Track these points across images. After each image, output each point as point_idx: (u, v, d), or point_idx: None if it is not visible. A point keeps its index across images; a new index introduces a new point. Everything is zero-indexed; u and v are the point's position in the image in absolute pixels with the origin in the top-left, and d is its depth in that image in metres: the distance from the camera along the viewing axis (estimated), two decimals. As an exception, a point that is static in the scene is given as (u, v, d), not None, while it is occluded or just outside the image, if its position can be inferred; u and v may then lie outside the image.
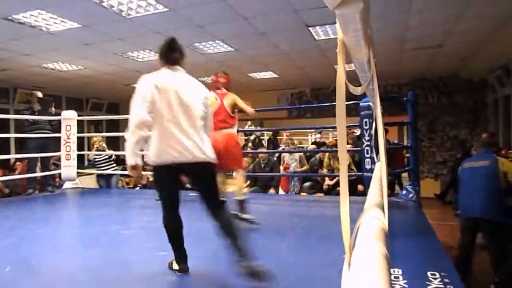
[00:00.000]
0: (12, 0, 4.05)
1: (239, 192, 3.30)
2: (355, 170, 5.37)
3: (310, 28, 5.14)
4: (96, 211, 4.33)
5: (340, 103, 0.66)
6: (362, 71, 0.96)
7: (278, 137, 8.94)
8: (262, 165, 6.32)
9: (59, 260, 2.67)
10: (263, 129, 8.98)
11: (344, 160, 0.73)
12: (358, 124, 4.42)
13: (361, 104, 4.23)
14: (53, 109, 5.88)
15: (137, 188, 7.21)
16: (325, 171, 6.03)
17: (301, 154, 6.41)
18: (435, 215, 4.23)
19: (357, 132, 5.39)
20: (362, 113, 4.24)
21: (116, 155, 6.84)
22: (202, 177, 2.23)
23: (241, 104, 3.44)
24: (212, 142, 2.60)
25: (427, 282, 1.93)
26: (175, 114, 2.09)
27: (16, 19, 4.56)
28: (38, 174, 5.70)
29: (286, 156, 6.37)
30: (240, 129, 5.84)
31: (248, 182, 6.65)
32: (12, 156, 7.39)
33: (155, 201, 3.42)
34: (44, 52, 6.14)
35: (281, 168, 6.39)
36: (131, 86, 9.25)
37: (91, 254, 2.73)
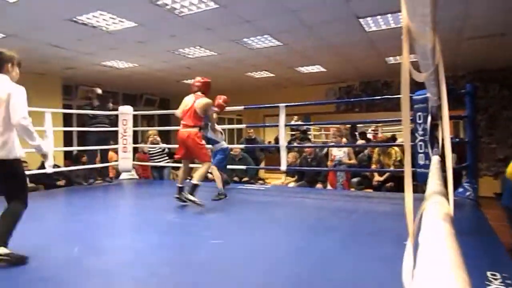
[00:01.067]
0: (77, 3, 4.35)
1: (197, 178, 3.86)
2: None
3: (361, 20, 5.01)
4: (150, 200, 4.58)
5: (405, 93, 0.66)
6: (425, 59, 0.93)
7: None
8: (309, 160, 6.29)
9: (119, 243, 2.88)
10: (309, 123, 8.93)
11: (408, 149, 0.72)
12: (412, 118, 4.26)
13: (414, 97, 4.07)
14: (111, 104, 6.27)
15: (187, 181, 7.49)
16: (374, 167, 5.89)
17: (350, 148, 6.29)
18: (495, 215, 3.99)
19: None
20: (415, 106, 4.07)
21: (168, 149, 7.14)
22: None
23: (209, 110, 4.17)
24: (179, 137, 3.82)
25: (487, 282, 1.84)
26: None
27: (80, 21, 4.90)
28: (98, 165, 6.11)
29: (334, 148, 6.27)
30: (286, 123, 5.85)
31: (296, 177, 6.68)
32: (75, 148, 7.98)
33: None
34: (103, 51, 6.54)
35: (328, 161, 6.32)
36: (181, 82, 9.59)
37: (148, 238, 2.90)
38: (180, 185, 3.99)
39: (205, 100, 4.09)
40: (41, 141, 2.52)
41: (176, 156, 4.32)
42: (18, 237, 2.31)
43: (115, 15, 4.75)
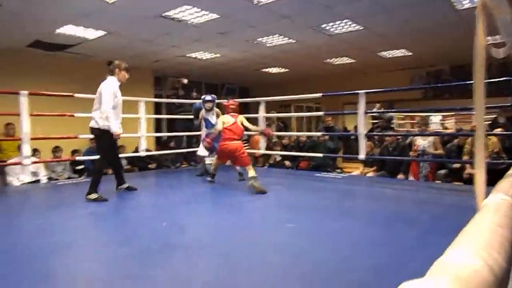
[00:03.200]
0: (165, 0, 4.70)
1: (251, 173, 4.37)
2: (505, 157, 4.67)
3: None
4: (230, 184, 4.82)
5: (479, 74, 0.63)
6: (508, 34, 0.85)
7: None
8: (390, 149, 6.01)
9: (200, 220, 3.12)
10: (391, 110, 8.46)
11: (481, 135, 0.69)
12: (510, 104, 3.82)
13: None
14: (195, 93, 6.68)
15: (265, 167, 7.68)
16: (465, 158, 5.40)
17: (437, 137, 5.84)
18: None
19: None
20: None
21: (247, 135, 7.38)
22: None
23: (245, 122, 4.79)
24: (228, 148, 4.49)
25: None
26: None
27: (168, 16, 5.28)
28: (184, 150, 6.59)
29: (418, 137, 5.88)
30: (368, 111, 5.63)
31: (374, 167, 6.44)
32: (164, 134, 8.68)
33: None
34: (188, 44, 6.96)
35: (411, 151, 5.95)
36: (260, 71, 9.78)
37: (227, 218, 3.09)
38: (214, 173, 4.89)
39: (242, 117, 4.87)
40: (113, 124, 3.66)
41: (221, 159, 4.84)
42: (120, 211, 2.63)
43: (199, 8, 5.02)
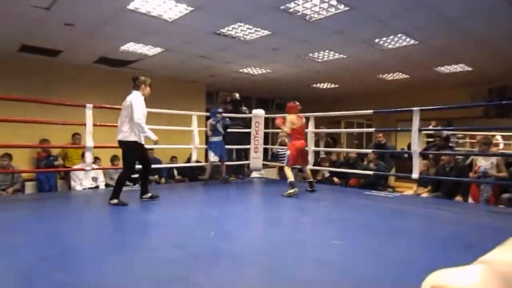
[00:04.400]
0: (219, 17, 4.91)
1: (308, 176, 5.24)
2: None
3: (518, 8, 4.32)
4: (277, 198, 4.82)
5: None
6: None
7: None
8: (447, 169, 5.67)
9: (248, 233, 3.14)
10: (447, 128, 8.03)
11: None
12: None
13: None
14: (244, 108, 6.82)
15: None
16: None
17: (500, 158, 5.41)
18: None
19: None
20: None
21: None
22: None
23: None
24: (300, 147, 4.99)
25: None
26: None
27: (222, 33, 5.50)
28: (233, 163, 6.71)
29: (480, 158, 5.49)
30: (423, 128, 5.39)
31: (429, 187, 6.09)
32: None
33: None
34: (241, 59, 7.17)
35: (472, 172, 5.56)
36: (311, 86, 9.77)
37: (274, 232, 3.10)
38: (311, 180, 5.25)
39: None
40: (149, 132, 3.98)
41: (294, 162, 5.05)
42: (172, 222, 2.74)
43: (251, 25, 5.18)
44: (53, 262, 2.15)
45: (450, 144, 8.43)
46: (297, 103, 5.20)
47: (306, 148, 5.61)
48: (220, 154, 5.84)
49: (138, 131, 3.95)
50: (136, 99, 3.95)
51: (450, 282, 0.25)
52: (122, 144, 3.99)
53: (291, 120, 4.96)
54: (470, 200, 5.44)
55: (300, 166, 5.43)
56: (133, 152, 4.01)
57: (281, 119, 5.14)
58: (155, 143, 4.14)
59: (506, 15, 4.54)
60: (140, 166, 4.25)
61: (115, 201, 3.89)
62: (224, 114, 6.21)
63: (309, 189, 5.13)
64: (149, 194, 4.24)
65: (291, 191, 4.70)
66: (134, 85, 4.09)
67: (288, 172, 4.88)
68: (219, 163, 5.92)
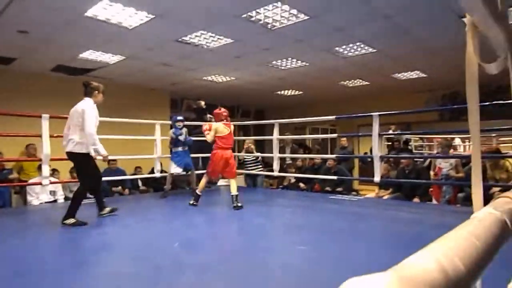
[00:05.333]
0: (182, 25, 4.88)
1: (234, 190, 4.59)
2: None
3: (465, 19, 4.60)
4: (244, 206, 4.81)
5: (472, 91, 0.65)
6: (501, 52, 0.86)
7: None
8: (406, 171, 5.91)
9: (215, 242, 3.11)
10: (406, 132, 8.39)
11: (476, 162, 0.70)
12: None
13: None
14: (209, 116, 6.77)
15: (279, 189, 7.64)
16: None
17: (458, 160, 5.69)
18: None
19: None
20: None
21: (262, 157, 7.40)
22: None
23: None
24: (223, 156, 4.59)
25: None
26: None
27: (184, 41, 5.46)
28: (199, 172, 6.62)
29: (440, 160, 5.73)
30: (383, 133, 5.61)
31: (390, 189, 6.33)
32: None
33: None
34: (204, 67, 7.14)
35: (432, 173, 5.80)
36: (275, 93, 9.89)
37: (240, 240, 3.08)
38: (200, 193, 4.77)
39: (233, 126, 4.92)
40: (100, 146, 3.64)
41: (212, 173, 4.79)
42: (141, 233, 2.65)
43: (214, 33, 5.18)
44: (7, 283, 2.02)
45: (409, 147, 8.82)
46: (223, 110, 4.80)
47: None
48: (186, 164, 5.62)
49: (89, 143, 3.59)
50: (88, 108, 3.59)
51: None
52: (73, 156, 3.61)
53: (216, 128, 4.67)
54: (434, 201, 5.66)
55: (224, 178, 5.39)
56: (88, 164, 3.67)
57: (209, 126, 4.84)
58: (104, 159, 3.82)
59: (456, 26, 4.83)
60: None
61: (72, 220, 3.48)
62: (187, 122, 6.14)
63: (191, 202, 4.71)
64: (108, 209, 3.92)
65: (193, 201, 4.67)
66: (86, 91, 3.72)
67: (202, 182, 4.74)
68: (184, 173, 5.76)
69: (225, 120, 4.78)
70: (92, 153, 3.71)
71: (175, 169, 5.56)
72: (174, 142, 5.61)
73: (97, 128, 3.70)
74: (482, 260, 0.35)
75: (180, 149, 5.64)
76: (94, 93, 3.73)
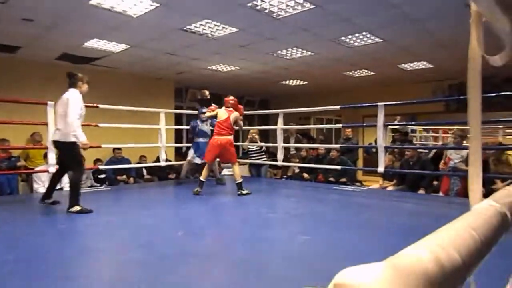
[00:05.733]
0: (186, 14, 4.85)
1: (237, 177, 4.78)
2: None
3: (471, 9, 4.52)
4: (247, 195, 4.84)
5: (474, 83, 0.64)
6: (507, 42, 0.85)
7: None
8: (411, 163, 5.90)
9: (219, 231, 3.14)
10: (411, 123, 8.33)
11: (477, 150, 0.70)
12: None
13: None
14: (213, 105, 6.77)
15: (283, 179, 7.67)
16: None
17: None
18: None
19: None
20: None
21: (266, 147, 7.41)
22: None
23: (239, 121, 5.11)
24: (216, 142, 4.80)
25: None
26: None
27: (189, 29, 5.43)
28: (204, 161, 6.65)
29: (451, 151, 5.57)
30: (388, 123, 5.58)
31: (394, 180, 6.32)
32: (183, 145, 8.81)
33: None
34: (209, 56, 7.11)
35: (442, 162, 5.67)
36: (280, 83, 9.84)
37: (244, 229, 3.11)
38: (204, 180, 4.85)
39: (236, 114, 5.07)
40: (80, 132, 3.69)
41: (207, 159, 4.98)
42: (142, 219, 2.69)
43: (219, 22, 5.14)
44: (13, 268, 2.06)
45: (410, 138, 8.77)
46: (231, 98, 5.20)
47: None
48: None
49: (69, 130, 3.67)
50: (73, 98, 3.72)
51: (351, 279, 0.27)
52: (60, 144, 3.78)
53: (218, 111, 5.11)
54: (440, 193, 5.58)
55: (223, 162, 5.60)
56: (77, 151, 3.79)
57: (214, 107, 5.39)
58: (84, 147, 3.82)
59: (464, 15, 4.74)
60: (58, 167, 4.08)
61: (77, 208, 3.57)
62: (190, 111, 6.17)
63: (194, 190, 4.78)
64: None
65: (196, 190, 4.73)
66: (70, 82, 3.86)
67: (205, 171, 4.88)
68: (200, 162, 5.63)
69: (230, 108, 5.08)
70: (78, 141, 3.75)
71: (195, 160, 5.68)
72: (196, 132, 5.75)
73: (83, 118, 3.83)
74: (480, 252, 0.36)
75: (201, 139, 5.71)
76: (78, 83, 3.87)
